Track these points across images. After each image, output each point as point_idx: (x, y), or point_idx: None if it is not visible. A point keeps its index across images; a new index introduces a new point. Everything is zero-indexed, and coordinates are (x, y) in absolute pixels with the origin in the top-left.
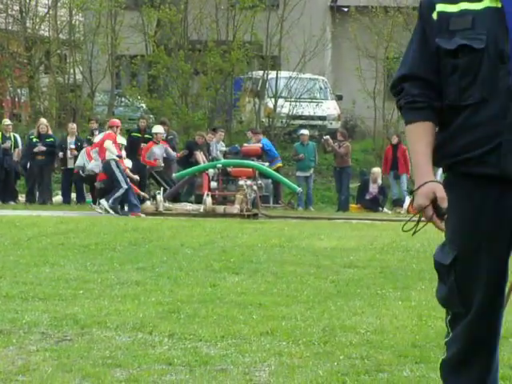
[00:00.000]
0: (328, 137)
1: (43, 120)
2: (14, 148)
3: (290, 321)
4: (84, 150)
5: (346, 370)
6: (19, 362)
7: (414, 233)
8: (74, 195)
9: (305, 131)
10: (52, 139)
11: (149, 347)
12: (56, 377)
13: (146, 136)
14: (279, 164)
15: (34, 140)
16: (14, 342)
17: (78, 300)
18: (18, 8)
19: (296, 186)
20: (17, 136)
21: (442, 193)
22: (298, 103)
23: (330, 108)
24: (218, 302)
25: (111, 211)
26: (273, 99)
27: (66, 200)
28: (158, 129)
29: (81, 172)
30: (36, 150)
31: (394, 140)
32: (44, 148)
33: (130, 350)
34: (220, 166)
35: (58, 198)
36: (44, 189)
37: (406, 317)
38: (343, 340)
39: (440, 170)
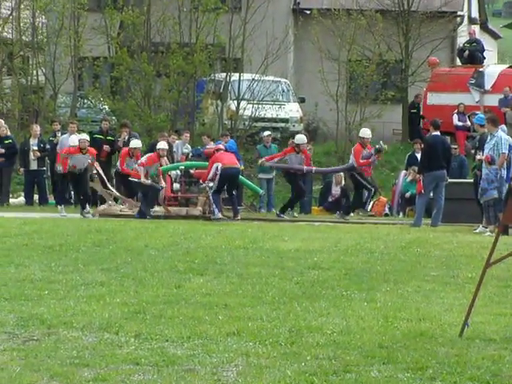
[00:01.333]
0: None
1: (1, 121)
2: None
3: (256, 321)
4: None
5: (314, 370)
6: None
7: None
8: (36, 197)
9: (268, 133)
10: (10, 140)
11: (116, 347)
12: (24, 376)
13: (109, 138)
14: (241, 167)
15: None
16: None
17: (43, 300)
18: None
19: (259, 189)
20: None
21: None
22: (260, 105)
23: (292, 110)
24: (183, 303)
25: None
26: (235, 101)
27: (29, 201)
28: (162, 145)
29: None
30: None
31: None
32: (2, 150)
33: (97, 350)
34: (183, 168)
35: (20, 199)
36: (3, 190)
37: (371, 318)
38: (310, 340)
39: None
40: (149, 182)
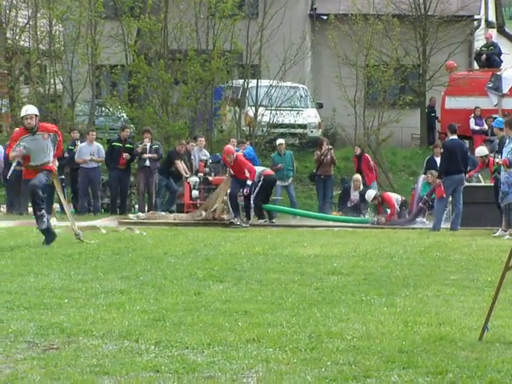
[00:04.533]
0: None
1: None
2: None
3: (276, 328)
4: None
5: (334, 375)
6: (7, 370)
7: None
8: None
9: (281, 140)
10: None
11: (136, 355)
12: None
13: (127, 146)
14: None
15: None
16: (1, 351)
17: (63, 309)
18: None
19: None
20: None
21: None
22: (278, 112)
23: (310, 116)
24: (203, 310)
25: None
26: (253, 108)
27: (48, 210)
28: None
29: None
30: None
31: (357, 151)
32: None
33: (117, 358)
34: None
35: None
36: (21, 199)
37: (391, 323)
38: (330, 346)
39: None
40: None
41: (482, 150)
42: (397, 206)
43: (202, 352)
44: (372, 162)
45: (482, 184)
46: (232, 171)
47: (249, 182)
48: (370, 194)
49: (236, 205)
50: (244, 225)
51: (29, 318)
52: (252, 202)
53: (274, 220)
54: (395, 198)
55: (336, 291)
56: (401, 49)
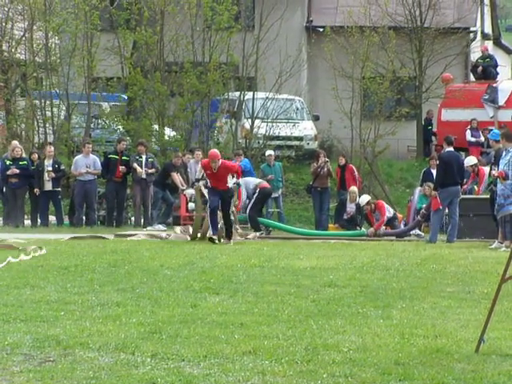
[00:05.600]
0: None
1: (16, 143)
2: None
3: (272, 340)
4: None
5: None
6: (3, 383)
7: None
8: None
9: (270, 152)
10: (25, 162)
11: (132, 367)
12: None
13: (124, 158)
14: None
15: (8, 163)
16: None
17: (59, 321)
18: None
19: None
20: None
21: None
22: (274, 124)
23: (306, 128)
24: (199, 322)
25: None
26: (249, 120)
27: (44, 222)
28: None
29: None
30: (9, 172)
31: (341, 161)
32: (17, 171)
33: (114, 371)
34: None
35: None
36: (17, 212)
37: (387, 335)
38: (326, 358)
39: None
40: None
41: (470, 160)
42: (388, 215)
43: (198, 364)
44: (356, 174)
45: (477, 196)
46: (211, 182)
47: (240, 181)
48: (364, 198)
49: (216, 220)
50: (224, 241)
51: (25, 331)
52: (247, 214)
53: (270, 230)
54: (387, 208)
55: (332, 303)
56: (397, 61)
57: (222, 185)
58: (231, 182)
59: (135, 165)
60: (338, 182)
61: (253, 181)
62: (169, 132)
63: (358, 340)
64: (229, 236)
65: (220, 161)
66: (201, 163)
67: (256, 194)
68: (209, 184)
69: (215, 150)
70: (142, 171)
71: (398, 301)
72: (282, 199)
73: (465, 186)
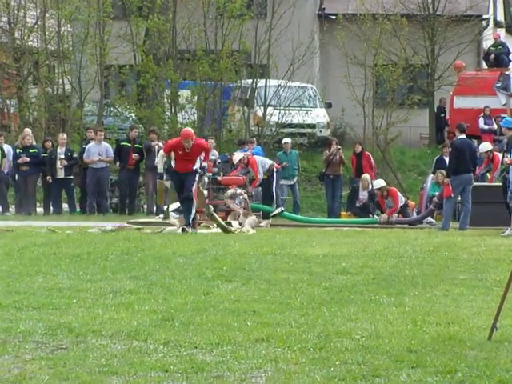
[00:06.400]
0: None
1: (28, 131)
2: (2, 159)
3: (285, 327)
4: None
5: (343, 375)
6: (15, 370)
7: None
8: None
9: (287, 139)
10: (36, 150)
11: (144, 355)
12: None
13: (136, 146)
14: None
15: (18, 151)
16: (10, 351)
17: (71, 309)
18: (6, 19)
19: (271, 208)
20: (4, 147)
21: None
22: (287, 111)
23: (319, 116)
24: (211, 310)
25: None
26: (262, 107)
27: (57, 210)
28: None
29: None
30: (19, 161)
31: (358, 149)
32: (27, 159)
33: (126, 358)
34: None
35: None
36: (29, 199)
37: (400, 322)
38: (339, 346)
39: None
40: None
41: (485, 146)
42: (401, 203)
43: (210, 352)
44: (373, 161)
45: (490, 184)
46: (178, 165)
47: (213, 157)
48: (379, 182)
49: (192, 206)
50: (192, 230)
51: (37, 318)
52: (274, 192)
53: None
54: (400, 196)
55: (345, 291)
56: (409, 48)
57: (190, 166)
58: (198, 164)
59: (153, 143)
60: (353, 170)
61: (268, 161)
62: (181, 119)
63: (371, 327)
64: (189, 223)
65: (194, 139)
66: (166, 146)
67: (275, 174)
68: (173, 166)
69: (189, 129)
70: (162, 146)
71: (410, 288)
72: (297, 187)
73: (477, 171)
